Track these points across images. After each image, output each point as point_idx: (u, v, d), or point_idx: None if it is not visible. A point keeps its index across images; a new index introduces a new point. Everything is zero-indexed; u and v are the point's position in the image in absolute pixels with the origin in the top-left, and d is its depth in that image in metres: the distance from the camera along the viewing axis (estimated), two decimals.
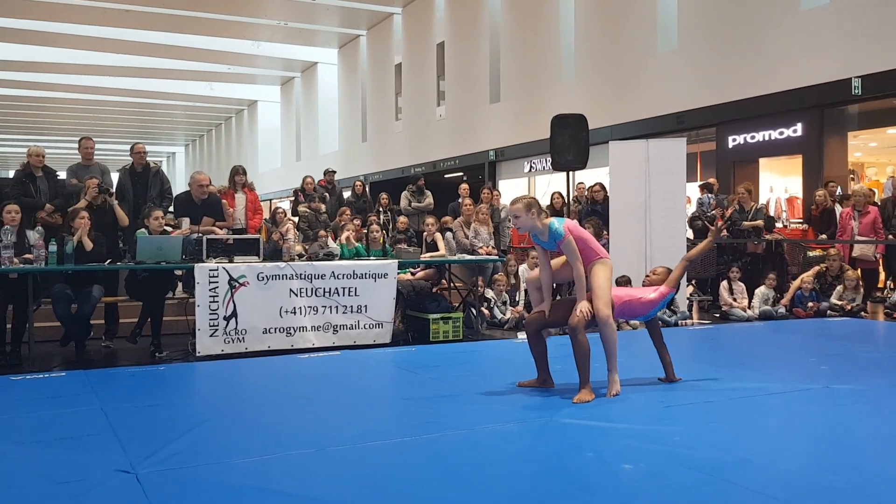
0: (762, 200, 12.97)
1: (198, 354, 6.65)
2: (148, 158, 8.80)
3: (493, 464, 3.56)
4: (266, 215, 12.20)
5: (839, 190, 11.66)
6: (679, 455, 3.61)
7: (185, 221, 7.68)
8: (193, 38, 27.12)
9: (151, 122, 43.85)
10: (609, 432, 4.06)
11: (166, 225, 7.55)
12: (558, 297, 5.25)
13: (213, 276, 6.72)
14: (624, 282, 8.64)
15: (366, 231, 9.05)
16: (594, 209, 10.73)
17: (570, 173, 9.98)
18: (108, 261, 6.83)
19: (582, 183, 12.76)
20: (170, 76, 32.57)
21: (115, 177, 9.02)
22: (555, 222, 4.87)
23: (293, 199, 12.68)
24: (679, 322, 8.81)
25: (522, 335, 7.98)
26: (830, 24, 12.23)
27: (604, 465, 3.52)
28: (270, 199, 31.65)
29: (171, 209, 8.38)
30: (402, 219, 10.91)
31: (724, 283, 9.71)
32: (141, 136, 43.39)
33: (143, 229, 7.18)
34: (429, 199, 12.25)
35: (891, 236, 9.98)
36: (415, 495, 3.16)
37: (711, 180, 12.86)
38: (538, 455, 3.75)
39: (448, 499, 3.12)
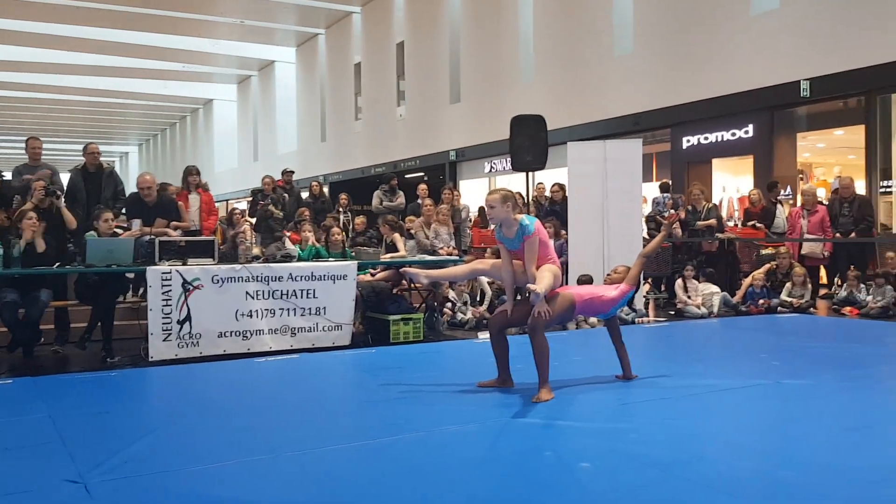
0: (715, 200, 13.21)
1: (150, 359, 6.53)
2: (101, 159, 8.63)
3: (452, 465, 3.55)
4: (222, 216, 12.04)
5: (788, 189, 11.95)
6: (636, 453, 3.64)
7: (136, 223, 7.53)
8: (147, 35, 26.64)
9: (104, 121, 43.00)
10: (567, 431, 4.08)
11: (116, 227, 7.40)
12: (518, 297, 5.27)
13: (166, 280, 6.60)
14: (585, 280, 8.70)
15: (325, 233, 8.98)
16: (553, 209, 10.80)
17: (530, 174, 10.02)
18: (57, 264, 6.66)
19: (541, 183, 12.83)
20: (123, 74, 31.98)
21: (65, 177, 8.82)
22: (526, 218, 4.89)
23: (251, 199, 12.53)
24: (635, 320, 8.91)
25: (483, 335, 8.00)
26: (780, 28, 12.50)
27: (562, 465, 3.53)
28: (227, 200, 31.26)
29: (123, 210, 8.22)
30: (359, 219, 10.86)
31: (679, 282, 9.86)
32: (93, 135, 42.45)
33: (92, 231, 7.03)
34: (400, 199, 12.23)
35: (838, 234, 10.22)
36: (374, 499, 3.13)
37: (665, 181, 13.04)
38: (498, 455, 3.75)
39: (407, 502, 3.10)
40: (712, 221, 10.56)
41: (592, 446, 3.79)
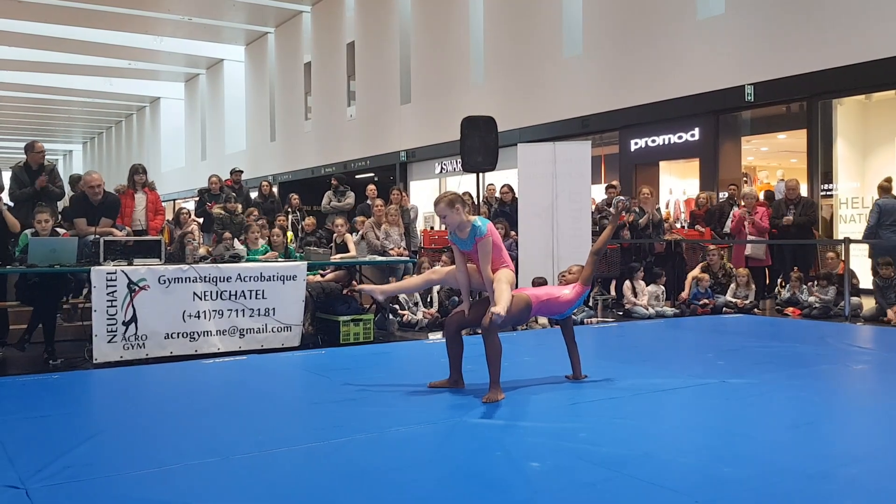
0: (662, 202, 13.45)
1: (95, 361, 6.37)
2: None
3: (402, 467, 3.54)
4: (169, 216, 11.83)
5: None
6: (585, 451, 3.68)
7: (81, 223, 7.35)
8: (92, 31, 26.02)
9: (46, 118, 41.87)
10: (517, 431, 4.10)
11: (56, 227, 7.22)
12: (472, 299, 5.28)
13: (111, 280, 6.45)
14: (540, 282, 8.76)
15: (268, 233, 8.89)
16: (503, 210, 10.87)
17: (480, 175, 10.07)
18: None
19: (491, 184, 12.90)
20: (66, 71, 31.19)
21: (6, 176, 8.60)
22: (478, 220, 4.90)
23: (198, 199, 12.33)
24: (584, 320, 9.01)
25: (433, 336, 8.00)
26: (725, 33, 12.79)
27: (512, 464, 3.56)
28: (174, 200, 30.73)
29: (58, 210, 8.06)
30: (308, 220, 10.78)
31: (628, 284, 10.00)
32: (35, 133, 41.37)
33: (26, 231, 6.85)
34: (349, 200, 12.14)
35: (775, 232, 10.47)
36: (324, 501, 3.11)
37: (614, 182, 13.20)
38: (447, 456, 3.75)
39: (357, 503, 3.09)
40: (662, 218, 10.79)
41: (542, 446, 3.82)
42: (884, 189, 10.01)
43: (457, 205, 4.90)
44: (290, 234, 10.80)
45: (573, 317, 8.82)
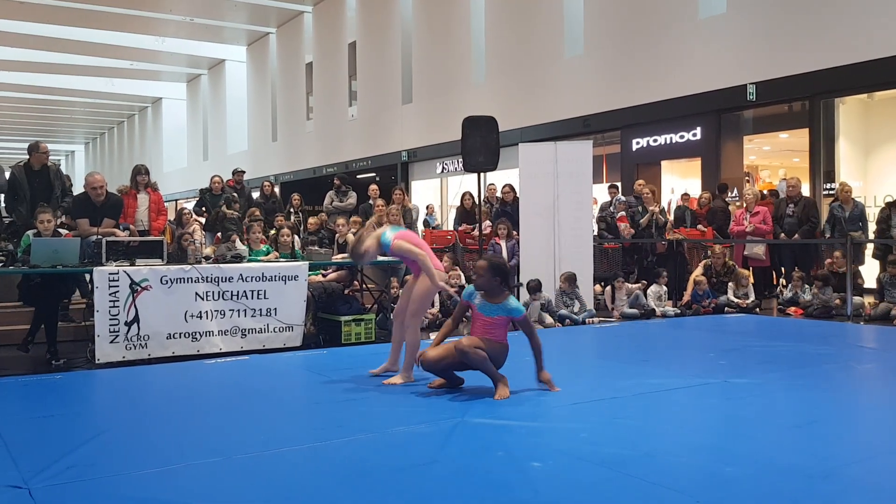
0: (664, 201, 13.44)
1: (97, 362, 6.38)
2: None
3: (403, 467, 3.55)
4: (171, 216, 11.84)
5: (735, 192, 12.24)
6: (586, 452, 3.68)
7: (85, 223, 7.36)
8: (94, 32, 26.05)
9: (49, 118, 41.93)
10: (518, 431, 4.11)
11: (59, 227, 7.22)
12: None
13: (114, 280, 6.46)
14: (534, 286, 8.75)
15: (274, 233, 8.89)
16: (504, 210, 10.86)
17: (482, 174, 10.07)
18: None
19: (493, 184, 12.89)
20: (69, 71, 31.23)
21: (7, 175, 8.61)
22: (385, 234, 5.31)
23: (198, 199, 12.33)
24: (585, 320, 9.01)
25: (434, 334, 7.99)
26: (727, 32, 12.78)
27: (513, 464, 3.56)
28: (176, 200, 30.74)
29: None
30: (312, 220, 10.78)
31: (608, 290, 9.90)
32: (38, 133, 41.43)
33: (28, 232, 6.86)
34: (351, 200, 12.14)
35: (782, 235, 10.47)
36: (325, 501, 3.12)
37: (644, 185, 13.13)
38: (449, 456, 3.75)
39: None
40: (664, 220, 10.76)
41: (543, 446, 3.82)
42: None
43: (360, 242, 5.39)
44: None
45: (573, 316, 8.87)
